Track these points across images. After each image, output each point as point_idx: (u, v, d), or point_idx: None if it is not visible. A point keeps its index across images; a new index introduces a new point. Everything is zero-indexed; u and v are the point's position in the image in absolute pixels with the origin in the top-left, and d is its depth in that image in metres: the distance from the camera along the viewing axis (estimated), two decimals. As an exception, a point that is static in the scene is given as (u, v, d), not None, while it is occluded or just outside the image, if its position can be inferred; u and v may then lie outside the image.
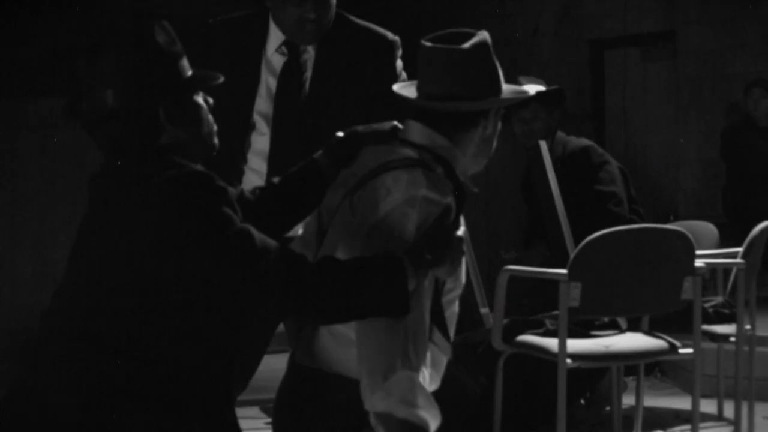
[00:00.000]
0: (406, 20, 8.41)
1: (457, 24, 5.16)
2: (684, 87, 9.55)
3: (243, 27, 3.79)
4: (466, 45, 2.96)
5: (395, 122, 3.01)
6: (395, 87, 3.07)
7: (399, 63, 3.76)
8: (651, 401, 5.85)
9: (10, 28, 8.88)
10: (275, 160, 3.73)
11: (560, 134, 5.77)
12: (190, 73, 2.71)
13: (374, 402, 2.67)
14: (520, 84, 5.69)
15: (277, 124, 3.70)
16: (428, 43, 2.98)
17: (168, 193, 2.54)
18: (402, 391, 2.66)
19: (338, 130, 3.02)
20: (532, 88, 5.61)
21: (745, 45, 9.16)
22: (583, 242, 4.10)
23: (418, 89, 3.02)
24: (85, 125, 2.69)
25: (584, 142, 5.71)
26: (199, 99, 2.74)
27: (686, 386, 6.31)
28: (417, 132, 2.98)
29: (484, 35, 3.01)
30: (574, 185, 5.36)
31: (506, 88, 3.07)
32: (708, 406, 5.32)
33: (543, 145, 5.05)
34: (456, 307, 3.09)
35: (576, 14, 10.34)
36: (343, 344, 2.87)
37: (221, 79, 2.74)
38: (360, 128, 3.00)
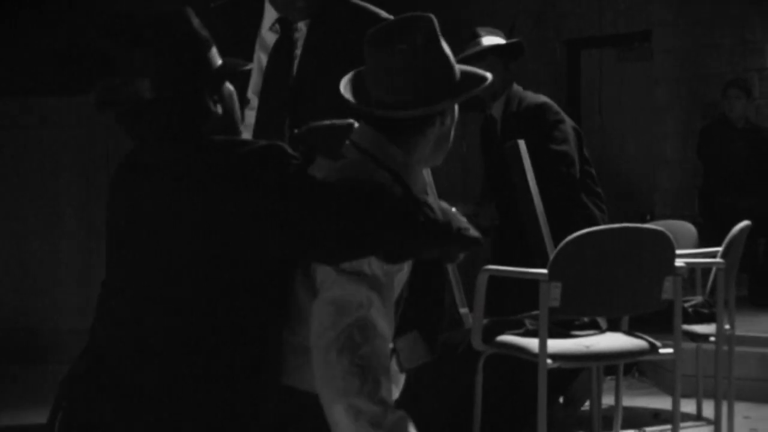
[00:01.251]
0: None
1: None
2: (660, 87, 9.56)
3: (239, 9, 3.80)
4: (414, 43, 2.79)
5: (351, 120, 2.93)
6: (342, 88, 2.89)
7: None
8: (629, 401, 5.85)
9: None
10: (259, 135, 3.72)
11: (517, 88, 5.70)
12: (219, 60, 2.72)
13: None
14: (479, 36, 5.71)
15: (264, 98, 3.71)
16: (373, 47, 2.83)
17: (255, 164, 2.56)
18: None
19: (327, 107, 2.98)
20: (491, 40, 5.71)
21: (721, 45, 9.18)
22: (564, 242, 4.09)
23: (370, 93, 2.85)
24: (121, 115, 2.68)
25: (541, 98, 5.61)
26: (230, 87, 2.77)
27: (664, 386, 6.32)
28: (368, 138, 2.85)
29: (430, 24, 2.84)
30: (527, 142, 5.12)
31: (460, 74, 2.88)
32: (686, 405, 5.32)
33: (522, 144, 5.02)
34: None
35: (552, 14, 10.34)
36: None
37: (250, 66, 2.82)
38: (315, 125, 2.91)
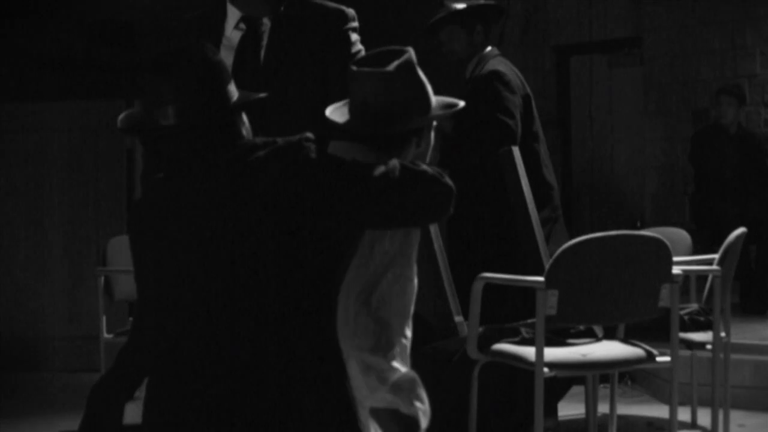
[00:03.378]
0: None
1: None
2: (650, 93, 9.55)
3: (199, 23, 3.81)
4: (392, 66, 3.01)
5: (308, 134, 2.93)
6: (327, 112, 3.12)
7: (353, 35, 3.74)
8: (623, 409, 5.82)
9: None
10: None
11: (488, 53, 5.45)
12: (235, 89, 2.83)
13: (377, 398, 2.93)
14: (444, 4, 5.56)
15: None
16: (355, 67, 3.04)
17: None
18: (408, 390, 2.97)
19: (295, 97, 3.27)
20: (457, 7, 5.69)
21: (711, 52, 9.17)
22: (560, 249, 4.06)
23: (350, 112, 3.08)
24: (146, 138, 2.81)
25: (494, 67, 5.34)
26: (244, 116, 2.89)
27: (658, 394, 6.29)
28: (346, 153, 2.94)
29: (409, 54, 3.06)
30: (476, 108, 5.01)
31: (436, 102, 3.11)
32: (681, 413, 5.28)
33: (515, 151, 4.97)
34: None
35: (541, 20, 10.32)
36: None
37: (263, 95, 2.91)
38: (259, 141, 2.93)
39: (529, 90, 5.44)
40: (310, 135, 2.79)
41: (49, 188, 8.07)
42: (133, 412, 2.86)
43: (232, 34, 3.74)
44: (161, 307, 2.75)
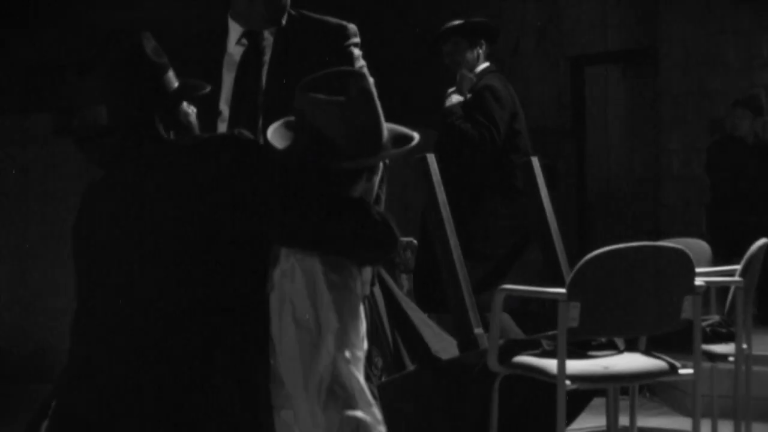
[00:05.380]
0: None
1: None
2: (665, 104, 9.51)
3: (202, 37, 3.81)
4: (350, 96, 2.81)
5: (242, 131, 2.90)
6: (268, 132, 2.91)
7: (356, 50, 3.72)
8: (641, 421, 5.77)
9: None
10: None
11: (486, 68, 6.22)
12: (176, 83, 2.74)
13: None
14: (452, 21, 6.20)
15: (234, 105, 3.71)
16: (306, 93, 2.83)
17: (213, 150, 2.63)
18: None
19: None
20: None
21: (726, 62, 9.13)
22: (582, 261, 4.01)
23: (297, 137, 2.87)
24: (78, 141, 2.69)
25: (489, 81, 6.12)
26: (186, 108, 2.80)
27: (676, 406, 6.25)
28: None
29: (362, 80, 2.87)
30: (469, 115, 5.97)
31: (387, 134, 2.88)
32: (702, 426, 5.24)
33: (535, 161, 4.98)
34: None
35: (556, 31, 10.30)
36: None
37: (208, 89, 2.81)
38: None
39: (519, 108, 6.19)
40: (244, 131, 2.74)
41: (64, 200, 8.06)
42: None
43: (234, 49, 3.72)
44: (92, 300, 2.69)
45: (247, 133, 2.73)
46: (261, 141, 3.31)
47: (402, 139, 2.92)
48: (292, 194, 2.62)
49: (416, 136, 2.93)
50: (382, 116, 2.87)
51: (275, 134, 2.89)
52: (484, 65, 6.22)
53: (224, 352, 2.59)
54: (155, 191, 2.60)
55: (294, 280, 2.76)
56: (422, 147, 3.19)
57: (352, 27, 3.76)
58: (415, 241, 3.54)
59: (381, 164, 3.00)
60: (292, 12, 3.71)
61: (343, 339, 2.77)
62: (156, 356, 2.55)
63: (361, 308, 2.87)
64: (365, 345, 2.90)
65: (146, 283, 2.58)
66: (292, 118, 2.90)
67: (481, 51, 6.21)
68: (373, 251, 2.79)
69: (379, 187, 3.26)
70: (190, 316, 2.56)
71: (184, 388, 2.54)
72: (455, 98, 6.15)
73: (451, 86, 6.28)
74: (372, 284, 3.56)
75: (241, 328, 2.63)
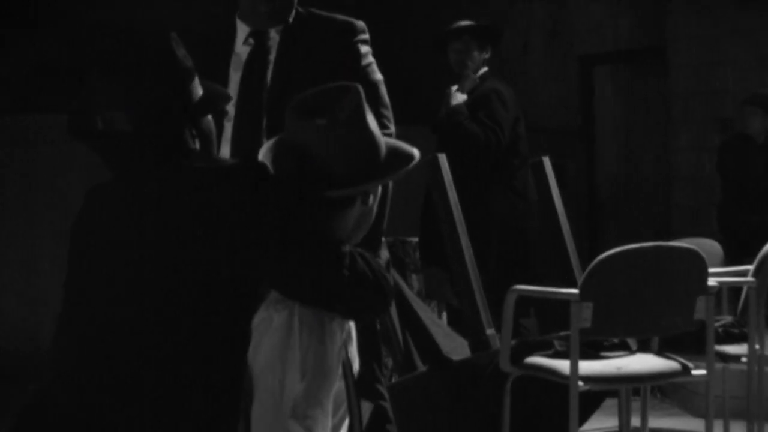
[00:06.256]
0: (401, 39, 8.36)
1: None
2: (675, 103, 9.48)
3: (212, 39, 3.78)
4: (336, 118, 2.63)
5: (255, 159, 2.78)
6: (261, 153, 2.72)
7: (364, 47, 3.70)
8: (653, 422, 5.75)
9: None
10: (236, 141, 3.67)
11: (487, 73, 6.35)
12: (201, 91, 2.61)
13: None
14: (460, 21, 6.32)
15: (240, 105, 3.69)
16: (294, 119, 2.66)
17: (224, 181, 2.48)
18: None
19: None
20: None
21: (736, 61, 9.10)
22: (595, 261, 4.00)
23: (290, 165, 2.68)
24: (96, 146, 2.57)
25: (495, 85, 6.27)
26: (209, 116, 2.68)
27: (687, 406, 6.23)
28: None
29: (356, 96, 2.67)
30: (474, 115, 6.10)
31: (386, 150, 2.70)
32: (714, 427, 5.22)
33: (546, 161, 4.98)
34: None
35: (565, 30, 10.28)
36: None
37: (231, 100, 2.64)
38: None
39: (520, 113, 6.33)
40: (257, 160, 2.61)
41: (72, 200, 8.05)
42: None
43: (241, 49, 3.72)
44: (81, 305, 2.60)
45: (263, 161, 2.62)
46: (264, 140, 3.28)
47: (401, 156, 2.74)
48: (290, 242, 2.48)
49: (416, 154, 2.74)
50: (376, 136, 2.69)
51: (266, 156, 2.72)
52: (484, 69, 6.35)
53: (195, 395, 2.48)
54: (160, 214, 2.50)
55: (268, 332, 2.68)
56: (425, 146, 3.10)
57: (360, 24, 3.74)
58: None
59: (379, 187, 2.78)
60: (300, 10, 3.70)
61: (303, 403, 2.66)
62: (129, 395, 2.46)
63: (338, 365, 2.73)
64: (335, 406, 2.77)
65: (130, 306, 2.49)
66: (284, 136, 2.75)
67: (486, 55, 6.35)
68: (363, 313, 2.71)
69: (381, 205, 3.16)
70: (166, 354, 2.46)
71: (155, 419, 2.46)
72: (460, 97, 6.18)
73: (448, 85, 6.33)
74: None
75: (217, 373, 2.51)
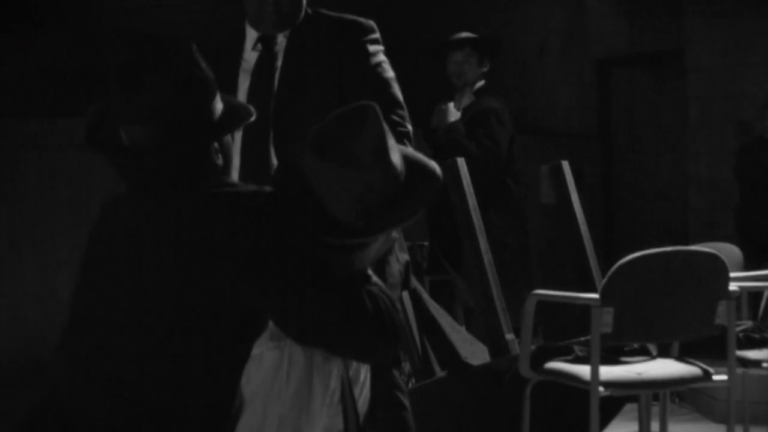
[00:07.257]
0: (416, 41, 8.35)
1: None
2: (692, 106, 9.45)
3: (221, 45, 3.77)
4: (358, 156, 2.44)
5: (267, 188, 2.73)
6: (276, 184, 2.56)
7: (373, 46, 3.67)
8: (672, 428, 5.72)
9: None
10: (245, 148, 3.65)
11: (484, 86, 6.31)
12: (221, 106, 2.50)
13: None
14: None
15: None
16: (315, 159, 2.47)
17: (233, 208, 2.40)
18: None
19: (310, 114, 2.79)
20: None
21: (754, 64, 9.07)
22: (615, 266, 3.97)
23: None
24: (113, 158, 2.46)
25: (491, 104, 6.22)
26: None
27: (706, 412, 6.19)
28: None
29: (376, 124, 2.47)
30: (472, 134, 6.08)
31: (406, 178, 2.51)
32: (734, 432, 5.20)
33: (565, 165, 4.96)
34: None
35: (582, 33, 10.25)
36: None
37: (253, 117, 2.55)
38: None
39: (514, 132, 6.30)
40: (268, 188, 2.49)
41: (93, 206, 8.05)
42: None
43: (250, 55, 3.70)
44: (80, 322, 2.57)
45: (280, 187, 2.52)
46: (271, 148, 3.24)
47: (425, 178, 2.55)
48: (293, 281, 2.39)
49: (439, 173, 2.58)
50: (399, 170, 2.50)
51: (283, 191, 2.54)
52: (481, 83, 6.32)
53: (192, 409, 2.44)
54: (171, 238, 2.42)
55: (259, 368, 2.66)
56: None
57: (369, 23, 3.71)
58: None
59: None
60: (309, 11, 3.68)
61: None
62: (130, 408, 2.44)
63: (323, 400, 2.71)
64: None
65: (133, 323, 2.44)
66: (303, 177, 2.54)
67: (484, 69, 6.32)
68: (365, 358, 2.66)
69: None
70: (167, 371, 2.42)
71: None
72: (456, 113, 6.17)
73: (443, 90, 6.32)
74: (402, 288, 3.53)
75: (216, 390, 2.47)
